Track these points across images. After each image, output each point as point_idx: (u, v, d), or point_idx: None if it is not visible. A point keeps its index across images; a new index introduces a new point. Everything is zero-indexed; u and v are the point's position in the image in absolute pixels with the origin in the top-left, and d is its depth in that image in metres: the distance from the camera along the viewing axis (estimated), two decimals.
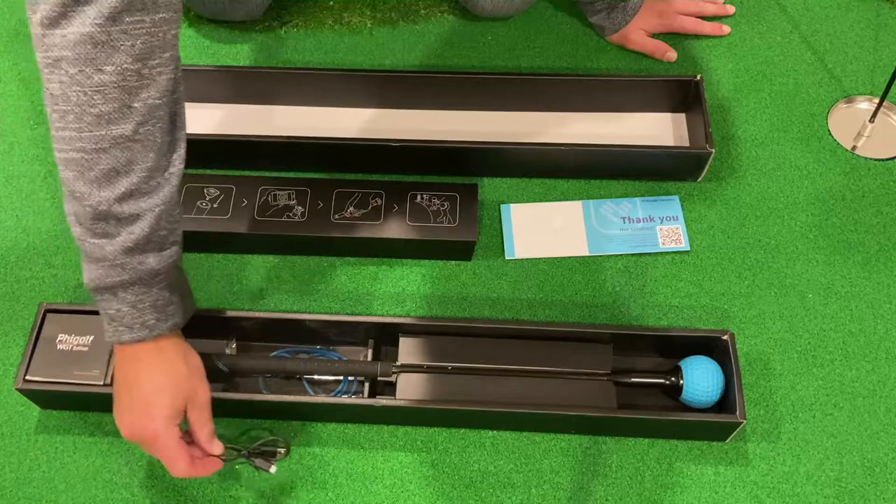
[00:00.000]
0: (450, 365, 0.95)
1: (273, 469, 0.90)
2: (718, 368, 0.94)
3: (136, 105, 0.74)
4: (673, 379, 0.95)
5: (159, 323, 0.80)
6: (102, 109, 0.73)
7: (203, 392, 0.84)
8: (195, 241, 1.05)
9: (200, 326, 0.99)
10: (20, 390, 0.93)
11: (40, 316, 0.95)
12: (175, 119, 0.79)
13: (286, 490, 0.93)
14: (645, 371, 0.98)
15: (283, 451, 0.93)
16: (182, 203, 1.04)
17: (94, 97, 0.73)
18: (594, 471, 0.94)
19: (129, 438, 0.81)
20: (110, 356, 0.93)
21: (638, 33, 1.24)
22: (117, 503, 0.92)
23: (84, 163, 0.74)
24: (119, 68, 0.72)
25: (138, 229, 0.77)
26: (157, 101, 0.76)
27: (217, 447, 0.85)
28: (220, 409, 0.96)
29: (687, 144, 1.16)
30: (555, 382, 0.95)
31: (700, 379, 0.93)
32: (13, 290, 1.06)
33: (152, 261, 0.78)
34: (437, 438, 0.96)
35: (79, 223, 0.77)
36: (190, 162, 1.10)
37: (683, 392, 0.94)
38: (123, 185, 0.75)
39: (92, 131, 0.73)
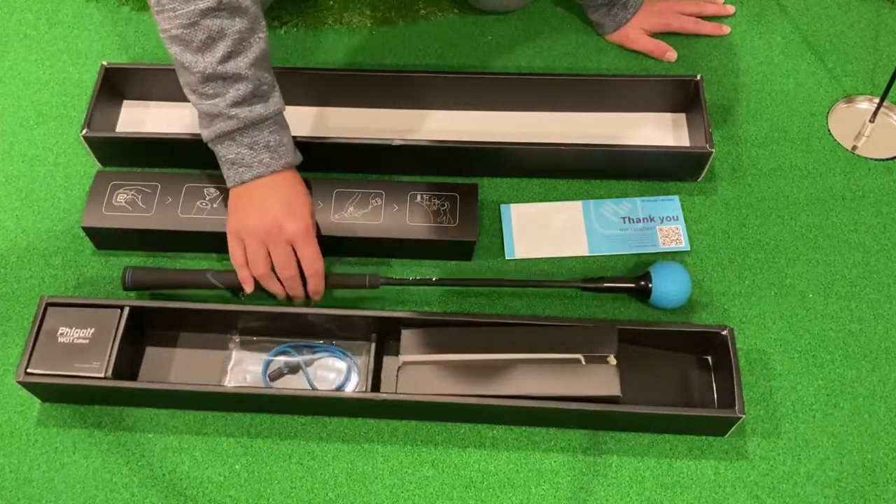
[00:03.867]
0: (454, 356, 0.95)
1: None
2: (685, 272, 1.01)
3: None
4: (643, 283, 1.01)
5: (273, 161, 0.94)
6: None
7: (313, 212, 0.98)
8: (196, 242, 1.05)
9: (204, 321, 0.99)
10: (21, 383, 0.93)
11: (41, 309, 0.95)
12: None
13: (286, 490, 0.93)
14: (616, 277, 1.04)
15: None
16: (182, 203, 1.05)
17: None
18: (594, 470, 0.94)
19: (270, 234, 0.93)
20: (111, 349, 0.93)
21: (638, 32, 1.24)
22: (117, 503, 0.92)
23: (184, 37, 0.88)
24: None
25: (243, 86, 0.91)
26: None
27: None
28: (218, 404, 0.97)
29: (687, 144, 1.16)
30: (560, 367, 0.94)
31: (668, 282, 1.00)
32: (13, 290, 1.06)
33: (260, 108, 0.93)
34: (437, 437, 0.96)
35: (192, 91, 0.92)
36: (189, 162, 1.11)
37: (652, 295, 1.01)
38: (221, 49, 0.89)
39: (184, 8, 0.86)
